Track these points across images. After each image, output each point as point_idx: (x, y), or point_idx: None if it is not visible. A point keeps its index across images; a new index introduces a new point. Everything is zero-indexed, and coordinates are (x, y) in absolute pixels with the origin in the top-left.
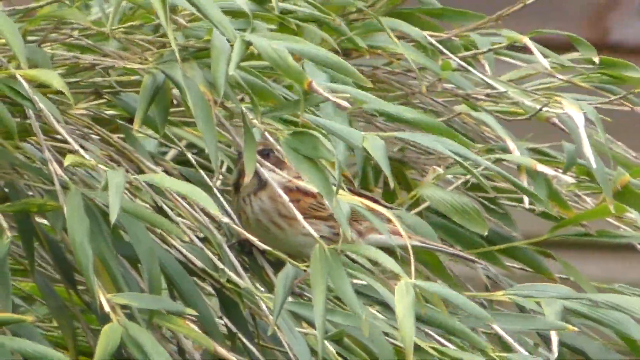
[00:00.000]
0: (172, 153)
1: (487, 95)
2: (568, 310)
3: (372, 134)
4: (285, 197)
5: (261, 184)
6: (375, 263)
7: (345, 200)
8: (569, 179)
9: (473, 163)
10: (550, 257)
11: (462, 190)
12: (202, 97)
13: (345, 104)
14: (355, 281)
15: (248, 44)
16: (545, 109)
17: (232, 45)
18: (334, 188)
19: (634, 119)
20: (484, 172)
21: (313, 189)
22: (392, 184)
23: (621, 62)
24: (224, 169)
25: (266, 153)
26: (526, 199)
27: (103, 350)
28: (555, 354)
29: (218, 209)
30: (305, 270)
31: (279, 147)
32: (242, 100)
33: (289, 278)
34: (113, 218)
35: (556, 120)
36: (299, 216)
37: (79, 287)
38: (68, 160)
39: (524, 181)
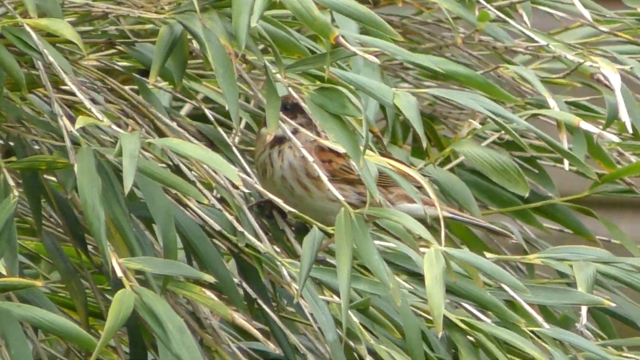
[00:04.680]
0: (187, 107)
1: (527, 48)
2: (602, 274)
3: (403, 90)
4: (310, 157)
5: (282, 138)
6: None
7: (374, 162)
8: (613, 137)
9: (508, 120)
10: (591, 215)
11: (497, 147)
12: (222, 50)
13: (374, 59)
14: (381, 248)
15: None
16: (588, 64)
17: None
18: (362, 148)
19: None
20: (520, 128)
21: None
22: (424, 143)
23: None
24: (242, 126)
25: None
26: (566, 162)
27: (115, 318)
28: (584, 321)
29: (238, 175)
30: (331, 235)
31: (303, 104)
32: (264, 52)
33: (316, 243)
34: (127, 188)
35: (601, 76)
36: (327, 181)
37: (89, 247)
38: (80, 122)
39: (564, 139)
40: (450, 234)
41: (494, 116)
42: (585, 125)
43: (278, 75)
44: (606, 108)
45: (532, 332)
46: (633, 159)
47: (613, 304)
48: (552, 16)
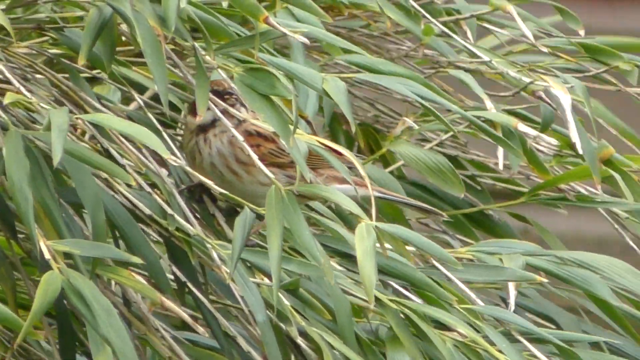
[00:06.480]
0: (134, 104)
1: (471, 63)
2: (531, 266)
3: (333, 76)
4: (241, 138)
5: (213, 123)
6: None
7: (304, 140)
8: (551, 139)
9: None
10: (525, 221)
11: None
12: (151, 32)
13: (304, 40)
14: (312, 230)
15: None
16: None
17: None
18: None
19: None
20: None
21: (274, 133)
22: (353, 128)
23: (606, 50)
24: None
25: (226, 94)
26: (500, 159)
27: (42, 299)
28: (512, 306)
29: (167, 152)
30: (263, 218)
31: (232, 85)
32: (194, 38)
33: (247, 223)
34: (56, 161)
35: (542, 95)
36: (257, 160)
37: (19, 236)
38: (8, 98)
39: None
40: (381, 215)
41: (423, 101)
42: (523, 128)
43: (207, 58)
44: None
45: (464, 309)
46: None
47: (545, 280)
48: (495, 35)
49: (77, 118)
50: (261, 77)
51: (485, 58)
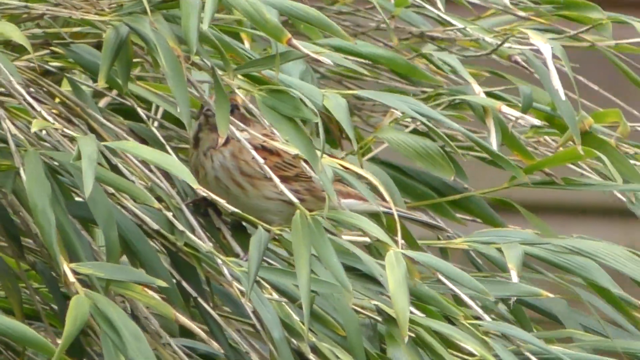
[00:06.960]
0: (105, 100)
1: (443, 32)
2: (529, 255)
3: (333, 92)
4: (260, 159)
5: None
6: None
7: (326, 163)
8: (535, 120)
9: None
10: (512, 207)
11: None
12: (171, 53)
13: (328, 61)
14: None
15: None
16: (506, 45)
17: None
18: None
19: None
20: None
21: (278, 147)
22: (355, 145)
23: (582, 3)
24: (159, 115)
25: (230, 109)
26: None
27: (72, 325)
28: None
29: (196, 182)
30: (279, 235)
31: (251, 105)
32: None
33: (263, 243)
34: (88, 191)
35: (519, 59)
36: (276, 179)
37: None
38: (36, 125)
39: (491, 125)
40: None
41: (420, 117)
42: (506, 110)
43: (226, 78)
44: (520, 97)
45: (472, 325)
46: (549, 152)
47: (551, 295)
48: (466, 7)
49: (105, 146)
50: (284, 99)
51: (459, 25)
